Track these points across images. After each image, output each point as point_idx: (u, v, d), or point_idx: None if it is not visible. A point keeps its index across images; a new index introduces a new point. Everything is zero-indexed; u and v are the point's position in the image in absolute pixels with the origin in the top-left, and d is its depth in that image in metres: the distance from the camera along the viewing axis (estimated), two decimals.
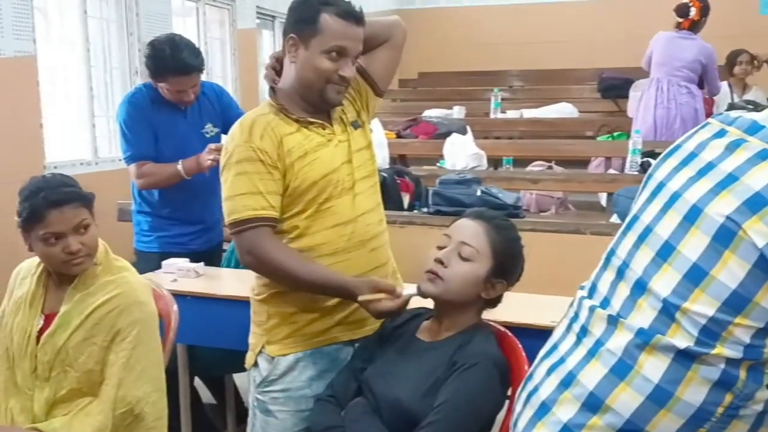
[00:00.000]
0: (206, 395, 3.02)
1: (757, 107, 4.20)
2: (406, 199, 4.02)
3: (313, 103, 1.79)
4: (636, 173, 4.15)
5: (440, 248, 1.68)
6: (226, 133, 2.91)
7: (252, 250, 1.71)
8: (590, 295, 1.28)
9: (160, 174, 2.80)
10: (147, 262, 2.83)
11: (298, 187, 1.73)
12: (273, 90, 1.84)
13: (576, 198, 5.32)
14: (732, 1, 7.26)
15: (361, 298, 1.66)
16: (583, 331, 1.24)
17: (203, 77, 2.86)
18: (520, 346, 1.71)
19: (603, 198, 4.90)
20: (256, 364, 1.84)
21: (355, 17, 1.72)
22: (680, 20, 5.05)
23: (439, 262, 1.64)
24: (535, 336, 1.80)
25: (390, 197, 3.94)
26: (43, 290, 1.85)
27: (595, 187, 4.64)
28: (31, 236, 1.76)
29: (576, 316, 1.28)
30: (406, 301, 1.70)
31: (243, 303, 1.96)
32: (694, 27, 5.03)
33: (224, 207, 1.75)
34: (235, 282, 2.56)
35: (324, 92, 1.75)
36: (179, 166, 2.76)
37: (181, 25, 5.66)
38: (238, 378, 2.94)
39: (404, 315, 1.78)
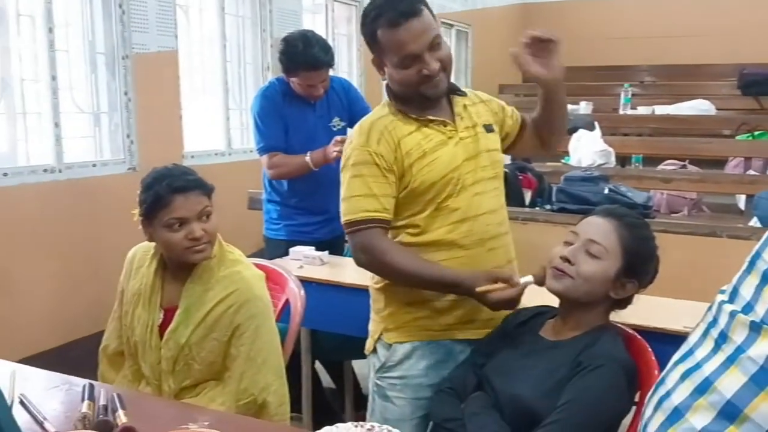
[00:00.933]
0: (326, 379, 3.11)
1: None
2: (527, 196, 3.96)
3: (424, 103, 1.78)
4: None
5: (567, 244, 1.64)
6: (352, 126, 3.01)
7: (366, 250, 1.75)
8: (731, 300, 1.21)
9: (289, 164, 2.91)
10: (275, 249, 2.95)
11: (417, 188, 1.74)
12: (390, 88, 1.83)
13: (710, 200, 5.03)
14: None
15: (478, 288, 1.64)
16: (722, 337, 1.18)
17: (330, 72, 2.94)
18: (650, 349, 1.64)
19: (741, 200, 4.62)
20: (375, 351, 1.88)
21: (406, 15, 1.66)
22: None
23: (566, 259, 1.61)
24: (665, 341, 1.73)
25: (511, 193, 3.87)
26: (160, 283, 1.87)
27: (733, 189, 4.38)
28: (154, 224, 1.78)
29: (715, 320, 1.22)
30: (523, 290, 1.67)
31: (364, 291, 2.01)
32: None
33: (341, 207, 1.80)
34: (357, 271, 2.61)
35: (422, 93, 1.75)
36: (307, 158, 2.85)
37: (310, 22, 5.84)
38: (356, 365, 3.01)
39: (527, 312, 1.75)
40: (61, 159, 3.67)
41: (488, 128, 1.86)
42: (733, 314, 1.17)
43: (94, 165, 3.86)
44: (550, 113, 1.87)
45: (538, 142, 1.96)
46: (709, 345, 1.20)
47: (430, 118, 1.77)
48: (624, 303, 1.67)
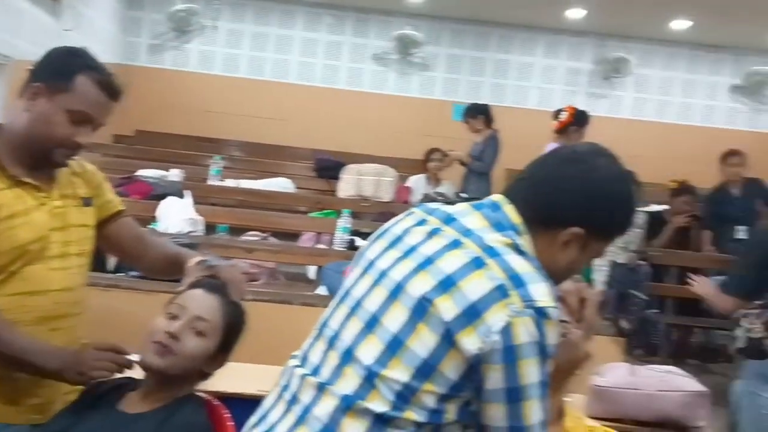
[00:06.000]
0: None
1: (448, 200, 4.78)
2: (112, 261, 3.79)
3: (37, 160, 1.67)
4: (344, 249, 4.42)
5: (171, 316, 1.60)
6: None
7: None
8: (302, 364, 1.33)
9: None
10: None
11: None
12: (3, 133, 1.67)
13: (285, 269, 5.47)
14: (430, 106, 8.42)
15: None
16: (293, 399, 1.28)
17: None
18: (227, 415, 1.69)
19: (311, 270, 5.11)
20: None
21: (113, 92, 1.68)
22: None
23: (172, 335, 1.57)
24: (244, 405, 1.80)
25: (93, 257, 3.69)
26: None
27: (306, 260, 4.85)
28: None
29: (287, 385, 1.33)
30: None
31: None
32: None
33: None
34: None
35: (51, 154, 1.66)
36: None
37: None
38: None
39: (105, 386, 1.66)
40: None
41: (86, 202, 1.77)
42: (303, 377, 1.29)
43: None
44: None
45: (131, 257, 1.99)
46: (281, 407, 1.30)
47: (25, 180, 1.65)
48: (209, 375, 1.70)
